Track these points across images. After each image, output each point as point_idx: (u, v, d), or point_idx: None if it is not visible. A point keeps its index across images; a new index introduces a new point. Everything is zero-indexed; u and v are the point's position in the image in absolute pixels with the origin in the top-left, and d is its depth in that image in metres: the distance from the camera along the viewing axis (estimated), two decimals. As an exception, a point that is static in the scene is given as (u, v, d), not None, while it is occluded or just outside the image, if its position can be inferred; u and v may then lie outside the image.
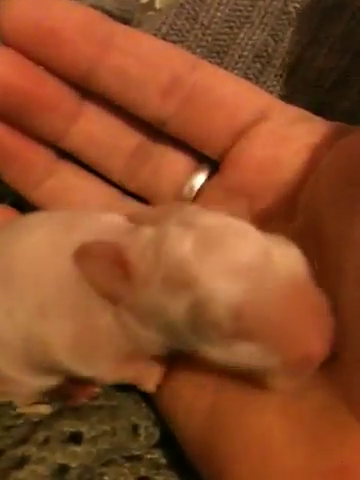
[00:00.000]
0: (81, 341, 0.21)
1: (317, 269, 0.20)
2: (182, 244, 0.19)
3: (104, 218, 0.23)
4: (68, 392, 0.24)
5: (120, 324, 0.20)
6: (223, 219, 0.20)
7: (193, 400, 0.21)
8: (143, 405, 0.24)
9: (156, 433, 0.23)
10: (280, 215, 0.24)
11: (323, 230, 0.21)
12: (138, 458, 0.21)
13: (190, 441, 0.21)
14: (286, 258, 0.19)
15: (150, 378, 0.23)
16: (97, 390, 0.24)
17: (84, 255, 0.20)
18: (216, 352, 0.19)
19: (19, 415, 0.23)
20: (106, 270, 0.20)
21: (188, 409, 0.21)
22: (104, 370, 0.22)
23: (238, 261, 0.18)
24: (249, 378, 0.20)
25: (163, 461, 0.22)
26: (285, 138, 0.25)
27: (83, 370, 0.22)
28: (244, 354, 0.19)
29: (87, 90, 0.27)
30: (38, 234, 0.23)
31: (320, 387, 0.19)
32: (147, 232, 0.20)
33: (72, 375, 0.22)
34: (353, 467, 0.17)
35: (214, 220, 0.20)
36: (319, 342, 0.18)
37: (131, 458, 0.21)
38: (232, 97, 0.26)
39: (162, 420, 0.23)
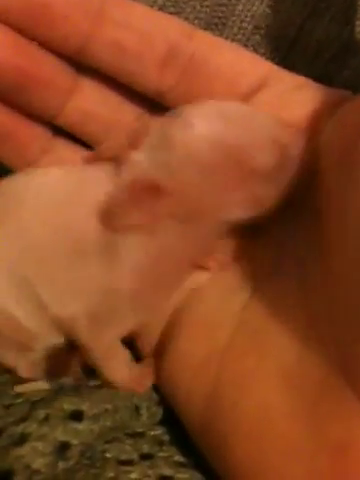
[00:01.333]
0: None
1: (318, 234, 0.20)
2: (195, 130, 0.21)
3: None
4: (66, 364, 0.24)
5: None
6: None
7: (193, 382, 0.21)
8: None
9: (158, 412, 0.23)
10: None
11: (324, 199, 0.21)
12: (141, 435, 0.21)
13: (191, 419, 0.21)
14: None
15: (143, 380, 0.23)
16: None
17: (112, 214, 0.21)
18: None
19: (18, 394, 0.23)
20: (139, 203, 0.21)
21: (188, 391, 0.21)
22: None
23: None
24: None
25: (166, 437, 0.22)
26: (286, 105, 0.24)
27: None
28: None
29: (82, 64, 0.26)
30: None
31: (321, 362, 0.19)
32: (140, 156, 0.22)
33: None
34: (351, 443, 0.17)
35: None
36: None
37: (134, 435, 0.21)
38: (231, 66, 0.26)
39: (164, 400, 0.23)
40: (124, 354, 0.23)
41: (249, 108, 0.23)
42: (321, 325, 0.19)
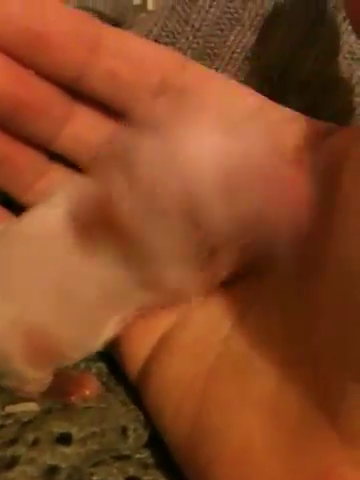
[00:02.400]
0: None
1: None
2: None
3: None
4: (65, 388, 0.25)
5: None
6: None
7: (180, 405, 0.22)
8: (131, 407, 0.24)
9: (145, 434, 0.23)
10: None
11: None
12: (127, 458, 0.22)
13: (176, 444, 0.22)
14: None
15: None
16: (89, 393, 0.24)
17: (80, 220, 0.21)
18: None
19: (8, 415, 0.23)
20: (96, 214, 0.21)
21: (174, 416, 0.22)
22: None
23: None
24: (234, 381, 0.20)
25: (151, 461, 0.22)
26: (274, 138, 0.25)
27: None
28: None
29: (77, 92, 0.27)
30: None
31: (300, 393, 0.19)
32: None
33: None
34: (332, 476, 0.17)
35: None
36: None
37: (120, 458, 0.22)
38: (221, 98, 0.26)
39: (150, 421, 0.23)
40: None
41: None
42: (302, 359, 0.19)
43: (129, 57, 0.26)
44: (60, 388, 0.25)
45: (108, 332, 0.24)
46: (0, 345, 0.23)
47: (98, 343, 0.24)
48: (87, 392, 0.25)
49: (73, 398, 0.24)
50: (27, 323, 0.23)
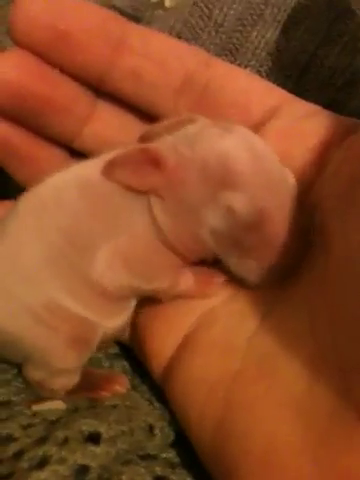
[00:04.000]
0: (130, 255, 0.23)
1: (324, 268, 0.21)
2: (222, 142, 0.22)
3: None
4: (95, 383, 0.25)
5: (152, 228, 0.23)
6: (247, 131, 0.23)
7: (204, 405, 0.22)
8: (157, 405, 0.24)
9: (171, 433, 0.23)
10: None
11: (328, 231, 0.21)
12: (154, 457, 0.22)
13: (201, 444, 0.22)
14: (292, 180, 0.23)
15: (210, 284, 0.25)
16: (123, 389, 0.25)
17: (113, 165, 0.22)
18: (223, 245, 0.22)
19: (35, 413, 0.23)
20: (136, 165, 0.22)
21: (200, 415, 0.22)
22: (162, 280, 0.24)
23: (269, 170, 0.22)
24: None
25: (178, 460, 0.22)
26: (297, 134, 0.25)
27: (144, 284, 0.24)
28: (241, 248, 0.22)
29: (100, 90, 0.27)
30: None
31: (330, 393, 0.19)
32: (167, 138, 0.23)
33: (138, 294, 0.25)
34: (358, 474, 0.17)
35: (241, 130, 0.23)
36: (290, 258, 0.22)
37: (147, 457, 0.22)
38: (244, 94, 0.26)
39: (176, 420, 0.23)
40: (183, 271, 0.24)
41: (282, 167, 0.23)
42: (329, 356, 0.19)
43: (153, 56, 0.26)
44: (89, 384, 0.25)
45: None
46: (41, 332, 0.23)
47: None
48: (118, 387, 0.25)
49: (103, 393, 0.25)
50: (63, 305, 0.23)
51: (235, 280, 0.24)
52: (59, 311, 0.23)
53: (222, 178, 0.22)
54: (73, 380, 0.25)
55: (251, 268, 0.23)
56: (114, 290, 0.24)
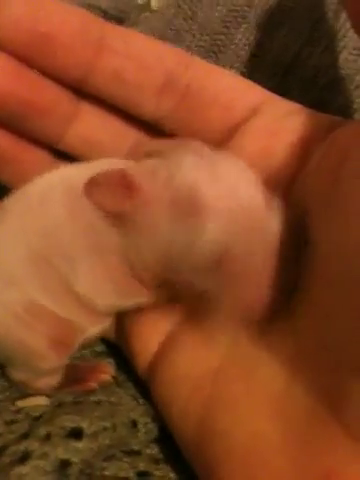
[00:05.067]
0: (110, 278, 0.23)
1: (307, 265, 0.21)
2: (192, 176, 0.21)
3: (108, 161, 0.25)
4: (80, 375, 0.26)
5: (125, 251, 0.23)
6: (237, 163, 0.22)
7: (188, 403, 0.22)
8: (141, 401, 0.24)
9: (155, 429, 0.23)
10: None
11: (312, 226, 0.21)
12: (137, 453, 0.22)
13: (184, 441, 0.22)
14: (277, 218, 0.21)
15: None
16: (108, 376, 0.25)
17: (92, 184, 0.22)
18: (194, 280, 0.21)
19: (19, 410, 0.24)
20: (112, 192, 0.22)
21: (183, 411, 0.22)
22: (143, 297, 0.24)
23: (241, 205, 0.21)
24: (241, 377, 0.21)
25: (162, 456, 0.22)
26: (278, 132, 0.25)
27: (126, 302, 0.24)
28: (214, 285, 0.21)
29: (83, 92, 0.27)
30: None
31: (308, 391, 0.19)
32: (158, 162, 0.23)
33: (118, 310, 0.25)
34: (338, 473, 0.17)
35: (228, 162, 0.22)
36: (262, 303, 0.20)
37: (130, 453, 0.22)
38: (225, 93, 0.26)
39: (160, 416, 0.23)
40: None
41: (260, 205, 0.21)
42: (309, 353, 0.19)
43: (133, 56, 0.26)
44: (74, 378, 0.25)
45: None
46: (21, 332, 0.23)
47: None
48: (104, 376, 0.25)
49: (89, 384, 0.25)
50: (43, 306, 0.23)
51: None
52: (40, 313, 0.23)
53: (188, 209, 0.21)
54: (56, 378, 0.25)
55: (226, 307, 0.21)
56: (102, 308, 0.24)
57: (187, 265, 0.21)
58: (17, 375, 0.25)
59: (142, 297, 0.24)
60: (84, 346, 0.26)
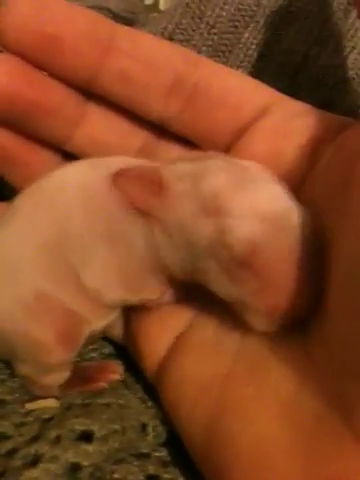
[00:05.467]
0: (123, 272, 0.23)
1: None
2: (220, 178, 0.21)
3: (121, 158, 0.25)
4: (89, 375, 0.26)
5: (150, 245, 0.23)
6: (260, 167, 0.22)
7: (196, 407, 0.22)
8: (150, 404, 0.24)
9: (164, 432, 0.23)
10: None
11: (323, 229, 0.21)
12: (146, 456, 0.22)
13: (192, 444, 0.22)
14: (302, 218, 0.21)
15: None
16: (117, 376, 0.25)
17: (123, 176, 0.22)
18: (220, 279, 0.21)
19: (28, 412, 0.23)
20: (142, 186, 0.22)
21: (191, 415, 0.22)
22: (151, 293, 0.24)
23: (269, 208, 0.21)
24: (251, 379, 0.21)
25: (170, 459, 0.22)
26: (287, 132, 0.25)
27: (133, 297, 0.24)
28: (239, 286, 0.21)
29: (90, 92, 0.27)
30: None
31: (317, 396, 0.19)
32: (185, 165, 0.23)
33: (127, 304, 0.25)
34: (347, 478, 0.17)
35: (254, 166, 0.22)
36: (295, 300, 0.20)
37: (139, 456, 0.22)
38: (234, 94, 0.26)
39: (169, 419, 0.23)
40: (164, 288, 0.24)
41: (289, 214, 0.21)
42: (318, 358, 0.19)
43: (141, 57, 0.26)
44: (83, 378, 0.25)
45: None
46: (29, 325, 0.23)
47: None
48: (114, 376, 0.25)
49: (98, 384, 0.25)
50: (52, 298, 0.23)
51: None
52: (49, 303, 0.23)
53: (215, 210, 0.21)
54: (64, 375, 0.25)
55: (254, 311, 0.21)
56: (108, 301, 0.24)
57: (213, 266, 0.21)
58: (23, 370, 0.25)
59: (151, 294, 0.24)
60: (92, 348, 0.26)
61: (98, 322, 0.25)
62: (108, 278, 0.24)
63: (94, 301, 0.24)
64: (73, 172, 0.25)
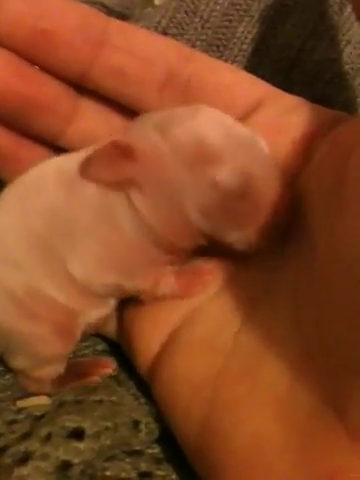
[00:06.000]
0: (112, 255, 0.23)
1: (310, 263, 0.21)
2: (195, 121, 0.22)
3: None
4: (83, 370, 0.25)
5: (137, 225, 0.23)
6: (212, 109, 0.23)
7: (189, 403, 0.22)
8: (143, 401, 0.24)
9: (157, 429, 0.23)
10: None
11: (313, 224, 0.21)
12: (139, 453, 0.22)
13: (186, 441, 0.22)
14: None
15: (193, 286, 0.24)
16: (111, 370, 0.25)
17: (86, 164, 0.22)
18: (209, 222, 0.22)
19: (20, 409, 0.23)
20: (108, 160, 0.22)
21: (185, 412, 0.22)
22: (144, 278, 0.24)
23: (249, 143, 0.22)
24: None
25: (164, 456, 0.22)
26: (281, 127, 0.25)
27: (126, 281, 0.24)
28: (232, 218, 0.22)
29: (83, 87, 0.26)
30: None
31: (311, 393, 0.19)
32: (139, 124, 0.23)
33: (121, 293, 0.25)
34: (342, 475, 0.17)
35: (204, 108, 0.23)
36: (280, 213, 0.22)
37: (132, 453, 0.22)
38: (228, 88, 0.26)
39: (162, 416, 0.23)
40: (165, 273, 0.24)
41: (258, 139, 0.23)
42: (313, 355, 0.19)
43: (135, 51, 0.25)
44: (76, 373, 0.25)
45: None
46: (23, 318, 0.23)
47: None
48: (107, 370, 0.25)
49: (92, 378, 0.25)
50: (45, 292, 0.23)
51: (223, 273, 0.24)
52: (41, 298, 0.23)
53: (200, 155, 0.22)
54: (58, 369, 0.25)
55: (248, 236, 0.22)
56: (99, 288, 0.24)
57: (212, 209, 0.22)
58: (16, 363, 0.25)
59: (144, 281, 0.24)
60: (85, 345, 0.26)
61: (92, 313, 0.25)
62: (98, 264, 0.23)
63: (85, 292, 0.24)
64: (51, 163, 0.25)
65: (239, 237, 0.22)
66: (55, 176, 0.24)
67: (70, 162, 0.24)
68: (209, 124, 0.22)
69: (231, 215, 0.22)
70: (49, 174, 0.24)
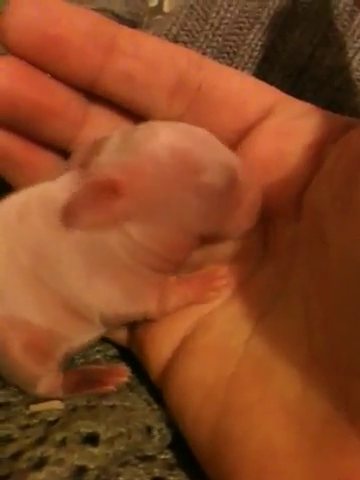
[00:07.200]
0: (115, 282, 0.23)
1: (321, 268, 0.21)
2: (163, 137, 0.23)
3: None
4: (97, 378, 0.25)
5: (131, 251, 0.23)
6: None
7: (200, 409, 0.22)
8: (155, 406, 0.24)
9: (169, 434, 0.23)
10: (286, 213, 0.24)
11: (324, 231, 0.21)
12: (152, 459, 0.22)
13: (198, 447, 0.22)
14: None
15: (208, 290, 0.25)
16: (126, 379, 0.25)
17: (70, 211, 0.22)
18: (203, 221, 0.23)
19: (33, 414, 0.23)
20: (93, 203, 0.22)
21: (196, 418, 0.22)
22: (148, 301, 0.24)
23: (205, 138, 0.24)
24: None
25: (176, 461, 0.22)
26: (291, 133, 0.25)
27: (133, 310, 0.24)
28: (227, 204, 0.23)
29: (94, 94, 0.27)
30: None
31: (323, 398, 0.19)
32: (102, 158, 0.23)
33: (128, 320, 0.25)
34: (354, 478, 0.17)
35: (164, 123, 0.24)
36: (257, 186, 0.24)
37: (145, 459, 0.22)
38: (237, 94, 0.26)
39: (174, 421, 0.23)
40: (169, 285, 0.25)
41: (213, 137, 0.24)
42: (324, 360, 0.19)
43: (145, 58, 0.25)
44: (90, 381, 0.25)
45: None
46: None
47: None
48: (122, 379, 0.25)
49: (106, 387, 0.25)
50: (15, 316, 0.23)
51: (235, 278, 0.25)
52: (19, 324, 0.23)
53: (182, 166, 0.22)
54: (56, 378, 0.24)
55: (238, 221, 0.24)
56: (103, 318, 0.24)
57: (207, 212, 0.23)
58: (16, 382, 0.25)
59: (149, 303, 0.24)
60: (96, 350, 0.26)
61: (77, 337, 0.25)
62: (104, 294, 0.23)
63: (78, 318, 0.24)
64: (34, 192, 0.24)
65: (231, 225, 0.23)
66: (39, 205, 0.24)
67: (54, 190, 0.23)
68: (173, 135, 0.23)
69: (223, 207, 0.23)
70: (33, 203, 0.24)
